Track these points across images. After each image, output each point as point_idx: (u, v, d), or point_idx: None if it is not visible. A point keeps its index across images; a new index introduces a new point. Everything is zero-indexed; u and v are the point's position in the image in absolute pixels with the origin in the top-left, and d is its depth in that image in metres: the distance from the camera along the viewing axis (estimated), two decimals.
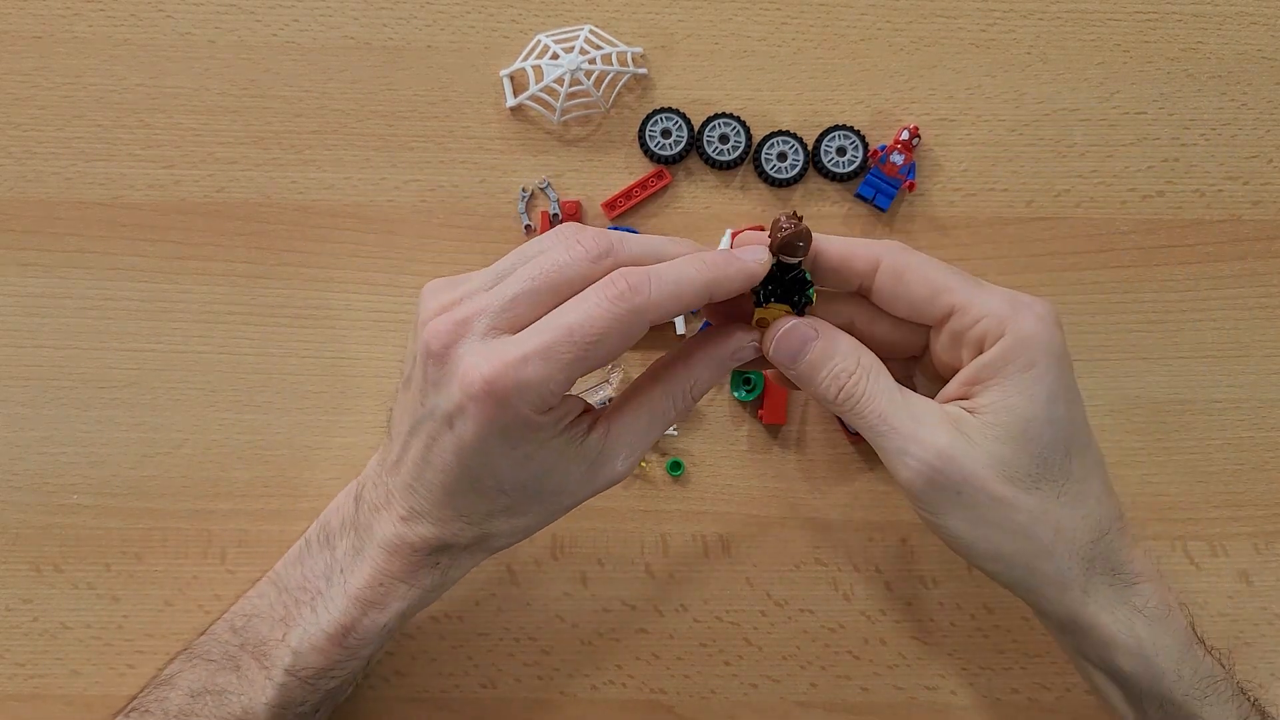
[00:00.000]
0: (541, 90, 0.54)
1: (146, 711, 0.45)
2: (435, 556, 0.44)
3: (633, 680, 0.55)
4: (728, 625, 0.55)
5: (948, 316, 0.42)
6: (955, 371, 0.43)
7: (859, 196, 0.55)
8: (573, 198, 0.55)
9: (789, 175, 0.54)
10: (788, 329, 0.42)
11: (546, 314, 0.39)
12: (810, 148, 0.55)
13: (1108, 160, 0.55)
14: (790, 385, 0.47)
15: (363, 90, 0.55)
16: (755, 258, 0.41)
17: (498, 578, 0.55)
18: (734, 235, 0.54)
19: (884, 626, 0.55)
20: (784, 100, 0.55)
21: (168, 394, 0.55)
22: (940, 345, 0.44)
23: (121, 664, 0.55)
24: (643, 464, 0.55)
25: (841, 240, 0.43)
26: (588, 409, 0.43)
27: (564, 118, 0.55)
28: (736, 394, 0.55)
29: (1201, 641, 0.45)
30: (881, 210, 0.55)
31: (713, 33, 0.55)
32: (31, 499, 0.55)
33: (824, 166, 0.54)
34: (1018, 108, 0.55)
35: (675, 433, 0.55)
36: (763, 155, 0.54)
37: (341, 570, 0.44)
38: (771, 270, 0.42)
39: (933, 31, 0.55)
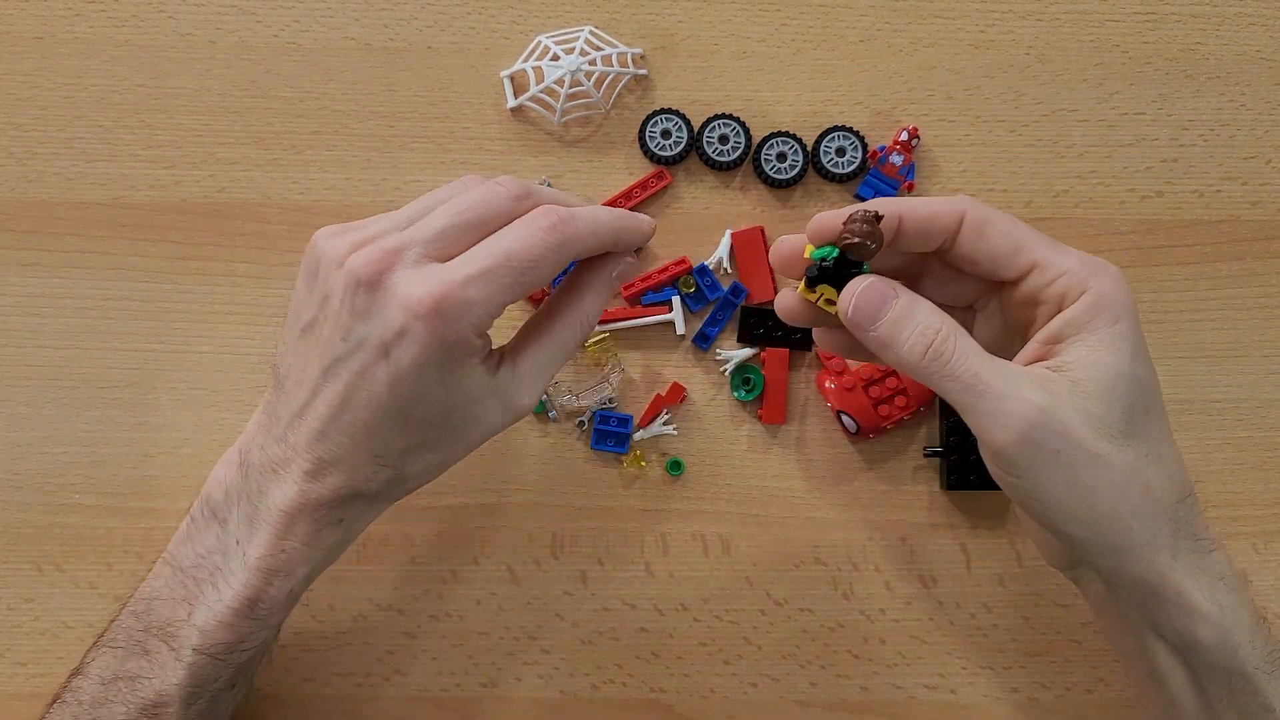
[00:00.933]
0: (542, 91, 0.54)
1: (63, 702, 0.45)
2: (340, 511, 0.43)
3: (633, 680, 0.56)
4: (728, 625, 0.56)
5: (1027, 272, 0.42)
6: (1024, 327, 0.43)
7: (858, 197, 0.55)
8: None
9: (788, 176, 0.55)
10: (867, 286, 0.41)
11: (475, 245, 0.41)
12: (810, 148, 0.55)
13: (1106, 161, 0.56)
14: (852, 354, 0.46)
15: (363, 91, 0.55)
16: (648, 220, 0.45)
17: (498, 577, 0.56)
18: (734, 235, 0.55)
19: (883, 626, 0.56)
20: (783, 101, 0.55)
21: (168, 394, 0.55)
22: (1014, 303, 0.43)
23: None
24: (642, 464, 0.55)
25: (923, 200, 0.42)
26: (493, 347, 0.43)
27: (564, 119, 0.55)
28: (736, 394, 0.55)
29: (1264, 617, 0.44)
30: None
31: (713, 33, 0.55)
32: (33, 498, 0.55)
33: (823, 167, 0.55)
34: (1016, 108, 0.55)
35: (675, 432, 0.55)
36: (762, 156, 0.55)
37: (237, 542, 0.43)
38: (831, 262, 0.41)
39: (932, 32, 0.55)
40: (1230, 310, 0.55)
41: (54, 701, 0.46)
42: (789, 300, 0.44)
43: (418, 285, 0.40)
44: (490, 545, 0.56)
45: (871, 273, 0.41)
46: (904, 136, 0.54)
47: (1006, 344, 0.44)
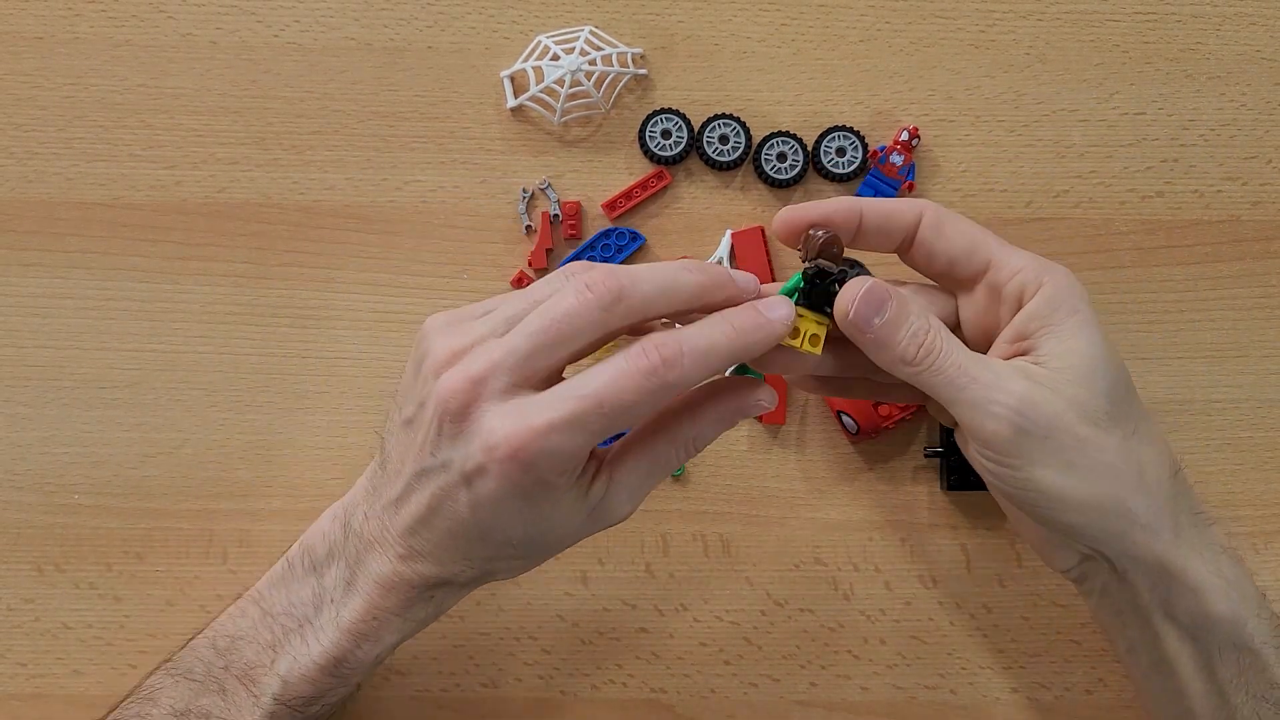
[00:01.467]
0: (542, 91, 0.54)
1: None
2: (431, 591, 0.43)
3: (633, 680, 0.56)
4: (728, 625, 0.56)
5: (984, 271, 0.43)
6: (986, 337, 0.44)
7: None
8: (573, 198, 0.55)
9: (789, 176, 0.55)
10: (869, 288, 0.40)
11: (564, 367, 0.40)
12: (810, 148, 0.55)
13: (1106, 161, 0.56)
14: (825, 390, 0.46)
15: (364, 91, 0.55)
16: (780, 316, 0.40)
17: None
18: (734, 236, 0.55)
19: (884, 626, 0.55)
20: (784, 101, 0.55)
21: (169, 394, 0.55)
22: (973, 307, 0.44)
23: (123, 664, 0.55)
24: None
25: (881, 200, 0.44)
26: (593, 454, 0.41)
27: (564, 118, 0.55)
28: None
29: (1263, 592, 0.44)
30: None
31: (713, 33, 0.55)
32: (33, 499, 0.55)
33: (823, 167, 0.55)
34: (1016, 108, 0.55)
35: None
36: (762, 156, 0.55)
37: (332, 600, 0.44)
38: (809, 281, 0.41)
39: (932, 32, 0.55)
40: (1230, 310, 0.55)
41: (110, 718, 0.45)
42: (786, 360, 0.43)
43: (500, 428, 0.38)
44: None
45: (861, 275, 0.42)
46: (904, 136, 0.54)
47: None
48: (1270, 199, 0.56)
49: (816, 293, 0.41)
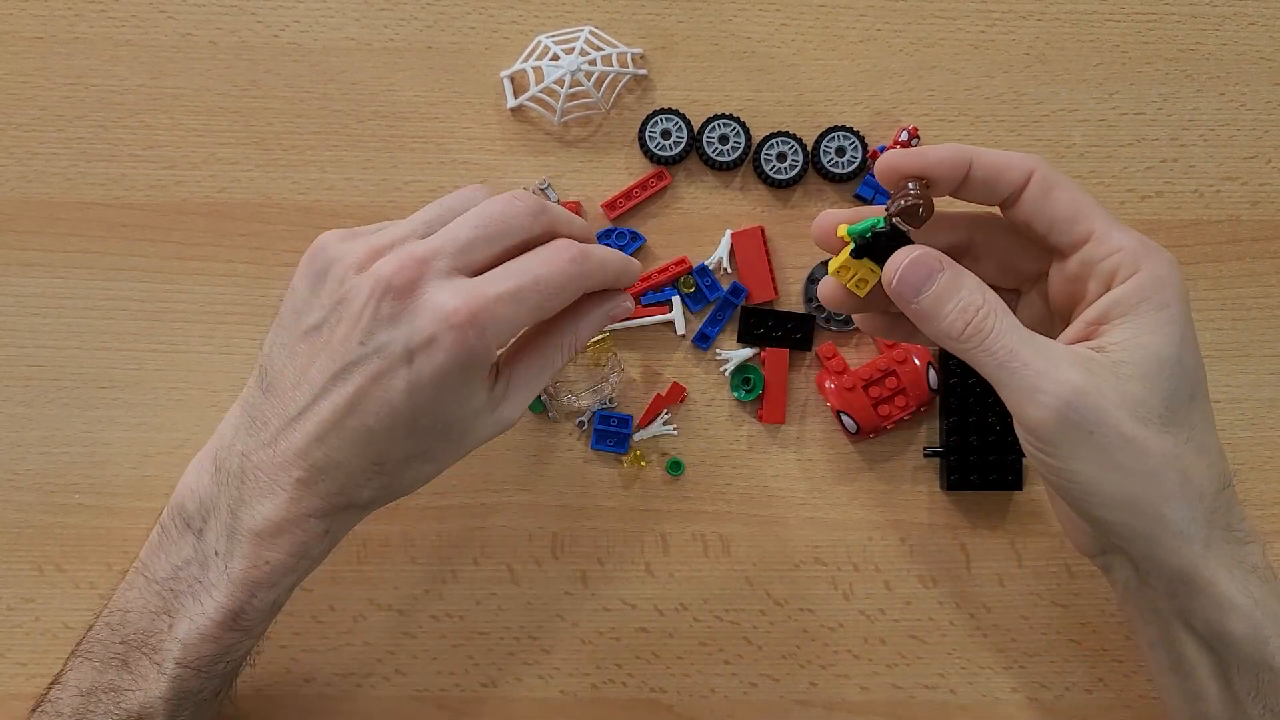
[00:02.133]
0: (542, 91, 0.54)
1: (43, 711, 0.45)
2: (328, 522, 0.43)
3: (633, 679, 0.56)
4: (727, 624, 0.56)
5: (1084, 241, 0.41)
6: (1069, 306, 0.42)
7: (858, 197, 0.55)
8: (573, 198, 0.55)
9: (788, 176, 0.55)
10: (913, 259, 0.40)
11: (498, 260, 0.43)
12: (810, 148, 0.55)
13: (1106, 161, 0.56)
14: (883, 331, 0.46)
15: (364, 91, 0.55)
16: (639, 266, 0.48)
17: (498, 577, 0.56)
18: (734, 236, 0.55)
19: (883, 626, 0.56)
20: (783, 101, 0.55)
21: (169, 394, 0.55)
22: (1064, 275, 0.42)
23: None
24: (642, 464, 0.55)
25: (996, 151, 0.42)
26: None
27: (564, 119, 0.55)
28: (736, 394, 0.55)
29: None
30: None
31: (713, 33, 0.55)
32: (33, 499, 0.55)
33: (823, 167, 0.55)
34: (1016, 108, 0.55)
35: (675, 432, 0.55)
36: (762, 156, 0.55)
37: (217, 553, 0.43)
38: (880, 232, 0.41)
39: (931, 32, 0.55)
40: (1230, 310, 0.55)
41: (34, 710, 0.45)
42: (831, 285, 0.44)
43: (453, 296, 0.41)
44: (490, 545, 0.56)
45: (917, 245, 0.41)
46: (904, 136, 0.54)
47: (1048, 328, 0.44)
48: (1270, 199, 0.56)
49: (881, 246, 0.41)
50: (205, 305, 0.55)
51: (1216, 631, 0.42)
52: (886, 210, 0.41)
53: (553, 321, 0.46)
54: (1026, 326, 0.43)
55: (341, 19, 0.55)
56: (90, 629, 0.45)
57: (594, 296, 0.46)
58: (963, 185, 0.42)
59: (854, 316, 0.47)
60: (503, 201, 0.44)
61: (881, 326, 0.46)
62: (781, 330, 0.55)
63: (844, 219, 0.42)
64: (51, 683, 0.45)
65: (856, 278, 0.42)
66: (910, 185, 0.40)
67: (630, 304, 0.48)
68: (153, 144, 0.55)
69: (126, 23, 0.55)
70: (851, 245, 0.41)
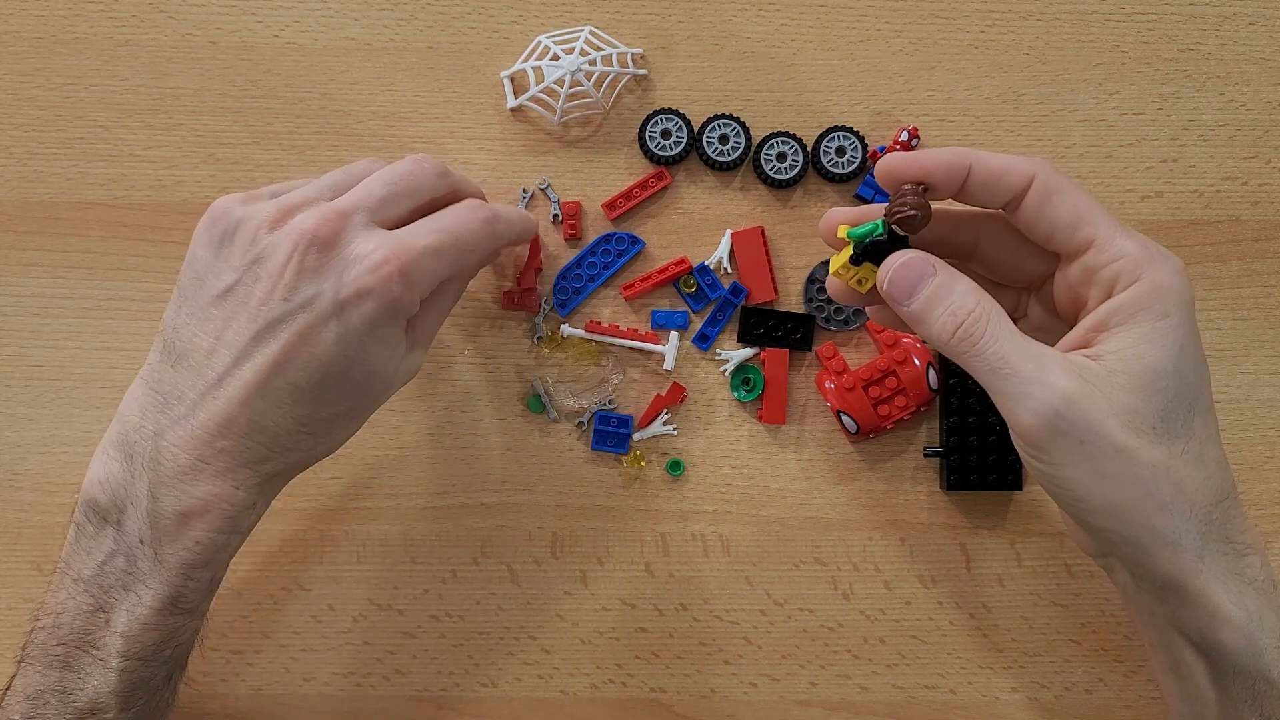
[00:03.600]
0: (542, 91, 0.54)
1: None
2: (256, 494, 0.43)
3: (632, 679, 0.56)
4: (727, 624, 0.56)
5: (1085, 248, 0.41)
6: (1073, 311, 0.42)
7: (858, 197, 0.55)
8: (573, 198, 0.55)
9: (788, 176, 0.55)
10: (904, 262, 0.41)
11: (410, 219, 0.45)
12: (809, 148, 0.55)
13: (1106, 161, 0.56)
14: (897, 325, 0.46)
15: (364, 91, 0.55)
16: (535, 223, 0.52)
17: (498, 577, 0.56)
18: (734, 235, 0.55)
19: (883, 626, 0.56)
20: (783, 101, 0.55)
21: None
22: (1068, 279, 0.42)
23: None
24: (642, 464, 0.55)
25: (997, 155, 0.42)
26: None
27: (564, 119, 0.55)
28: (736, 394, 0.55)
29: None
30: None
31: (713, 33, 0.55)
32: (33, 499, 0.55)
33: (823, 167, 0.55)
34: (1016, 108, 0.55)
35: (675, 432, 0.55)
36: (762, 156, 0.55)
37: (142, 541, 0.42)
38: (873, 242, 0.41)
39: (931, 32, 0.55)
40: (1230, 310, 0.55)
41: None
42: (837, 281, 0.44)
43: (379, 248, 0.42)
44: (490, 545, 0.56)
45: (913, 248, 0.41)
46: (904, 136, 0.54)
47: (1053, 332, 0.44)
48: (1269, 199, 0.56)
49: (880, 248, 0.41)
50: None
51: (1209, 640, 0.41)
52: (884, 216, 0.41)
53: None
54: (1032, 329, 0.43)
55: (341, 19, 0.55)
56: (29, 634, 0.44)
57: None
58: (962, 190, 0.42)
59: (867, 309, 0.47)
60: (411, 162, 0.46)
61: (891, 319, 0.46)
62: (781, 330, 0.55)
63: (847, 219, 0.43)
64: (4, 690, 0.45)
65: (858, 276, 0.42)
66: (908, 190, 0.41)
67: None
68: (153, 144, 0.55)
69: (126, 23, 0.55)
70: (852, 247, 0.42)
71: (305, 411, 0.42)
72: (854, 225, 0.42)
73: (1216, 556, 0.41)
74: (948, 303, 0.40)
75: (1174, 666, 0.44)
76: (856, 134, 0.54)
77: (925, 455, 0.55)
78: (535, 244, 0.55)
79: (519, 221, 0.49)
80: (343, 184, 0.45)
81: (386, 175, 0.45)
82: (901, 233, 0.41)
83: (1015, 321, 0.44)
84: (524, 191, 0.55)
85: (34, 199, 0.55)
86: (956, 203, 0.43)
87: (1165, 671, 0.45)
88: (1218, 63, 0.55)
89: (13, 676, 0.45)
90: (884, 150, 0.55)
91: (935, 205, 0.42)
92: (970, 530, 0.56)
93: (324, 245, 0.41)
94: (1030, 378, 0.39)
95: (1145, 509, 0.40)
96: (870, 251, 0.41)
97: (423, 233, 0.44)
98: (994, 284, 0.46)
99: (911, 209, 0.40)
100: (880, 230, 0.41)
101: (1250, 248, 0.55)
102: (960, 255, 0.45)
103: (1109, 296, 0.40)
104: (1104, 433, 0.39)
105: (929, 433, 0.56)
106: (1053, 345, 0.41)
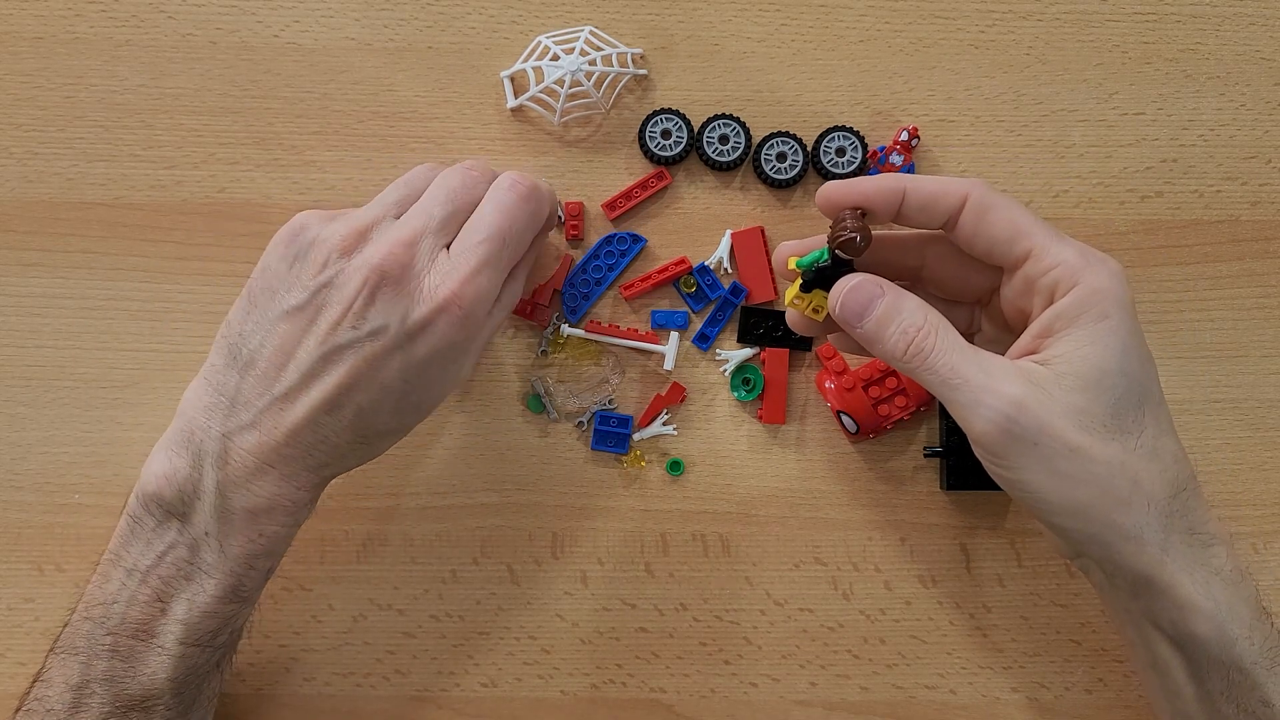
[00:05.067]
0: (542, 91, 0.54)
1: (29, 710, 0.45)
2: (317, 491, 0.45)
3: (633, 680, 0.56)
4: (727, 624, 0.56)
5: (1024, 259, 0.42)
6: (1021, 321, 0.44)
7: None
8: (573, 198, 0.55)
9: (789, 176, 0.55)
10: (853, 287, 0.43)
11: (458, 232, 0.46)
12: (810, 148, 0.55)
13: (1106, 161, 0.56)
14: (857, 350, 0.47)
15: (364, 91, 0.55)
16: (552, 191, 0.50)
17: (498, 577, 0.56)
18: (734, 235, 0.55)
19: (883, 626, 0.56)
20: (784, 101, 0.55)
21: (169, 394, 0.55)
22: (1012, 290, 0.44)
23: None
24: (642, 464, 0.55)
25: (932, 178, 0.44)
26: None
27: (564, 119, 0.55)
28: (736, 394, 0.55)
29: (1267, 610, 0.44)
30: None
31: (713, 33, 0.55)
32: (33, 499, 0.55)
33: (823, 167, 0.55)
34: (1016, 108, 0.55)
35: (675, 432, 0.55)
36: (762, 156, 0.55)
37: (208, 534, 0.43)
38: (824, 266, 0.43)
39: (931, 33, 0.55)
40: (1230, 310, 0.55)
41: (19, 710, 0.45)
42: (793, 313, 0.46)
43: (444, 281, 0.43)
44: (490, 545, 0.56)
45: (859, 271, 0.43)
46: (904, 136, 0.54)
47: (1004, 343, 0.45)
48: (1270, 199, 0.56)
49: (829, 275, 0.43)
50: (205, 305, 0.55)
51: (1182, 632, 0.42)
52: (828, 242, 0.43)
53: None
54: (986, 343, 0.45)
55: (341, 19, 0.55)
56: (67, 625, 0.45)
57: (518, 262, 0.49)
58: (899, 215, 0.44)
59: (828, 336, 0.49)
60: (461, 173, 0.47)
61: (849, 344, 0.48)
62: (782, 330, 0.55)
63: (796, 250, 0.45)
64: (33, 681, 0.45)
65: (812, 305, 0.44)
66: (847, 216, 0.42)
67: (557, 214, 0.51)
68: (153, 144, 0.55)
69: (126, 23, 0.55)
70: (802, 275, 0.44)
71: (364, 427, 0.44)
72: (802, 255, 0.44)
73: (1181, 548, 0.42)
74: (898, 321, 0.42)
75: (1152, 663, 0.45)
76: (856, 134, 0.54)
77: (925, 455, 0.55)
78: (565, 262, 0.55)
79: (547, 192, 0.49)
80: (406, 198, 0.47)
81: (442, 194, 0.46)
82: (846, 257, 0.42)
83: (970, 337, 0.47)
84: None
85: (34, 199, 0.55)
86: (899, 226, 0.45)
87: (1145, 668, 0.46)
88: (1218, 63, 0.55)
89: (44, 667, 0.45)
90: (884, 150, 0.55)
91: (880, 231, 0.44)
92: (970, 530, 0.56)
93: (393, 281, 0.43)
94: (980, 386, 0.40)
95: (1104, 505, 0.41)
96: (819, 278, 0.43)
97: (473, 248, 0.45)
98: (945, 302, 0.47)
99: (851, 232, 0.41)
100: (825, 257, 0.43)
101: (1250, 248, 0.55)
102: (909, 277, 0.47)
103: (1051, 303, 0.42)
104: (1056, 434, 0.40)
105: (929, 433, 0.56)
106: (1007, 350, 0.43)
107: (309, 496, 0.45)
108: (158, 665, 0.44)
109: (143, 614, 0.44)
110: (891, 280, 0.43)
